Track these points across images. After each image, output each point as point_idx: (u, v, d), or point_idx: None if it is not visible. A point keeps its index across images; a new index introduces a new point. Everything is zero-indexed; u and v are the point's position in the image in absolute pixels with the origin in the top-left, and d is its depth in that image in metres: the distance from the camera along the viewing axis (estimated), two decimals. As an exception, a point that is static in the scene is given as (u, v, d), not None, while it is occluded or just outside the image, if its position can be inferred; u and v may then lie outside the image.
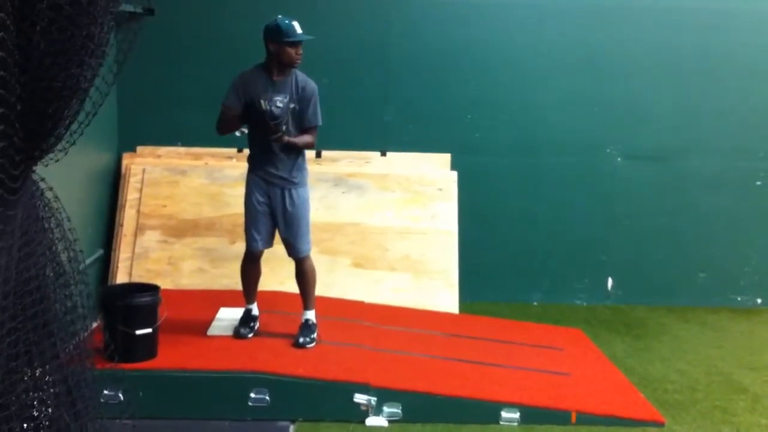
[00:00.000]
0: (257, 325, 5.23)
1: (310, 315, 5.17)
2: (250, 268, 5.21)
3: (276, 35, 4.84)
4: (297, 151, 5.03)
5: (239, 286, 6.28)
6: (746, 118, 7.10)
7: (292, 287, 6.20)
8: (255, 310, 5.26)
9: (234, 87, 4.99)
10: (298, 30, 4.85)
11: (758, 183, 7.16)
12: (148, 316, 4.60)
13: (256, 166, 5.08)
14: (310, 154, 6.82)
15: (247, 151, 6.76)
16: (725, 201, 7.12)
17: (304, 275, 5.19)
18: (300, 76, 5.01)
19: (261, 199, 5.04)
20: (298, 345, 5.01)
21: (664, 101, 7.04)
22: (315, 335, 5.10)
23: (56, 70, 2.48)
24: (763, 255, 7.21)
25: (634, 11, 6.99)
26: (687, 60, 7.00)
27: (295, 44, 4.86)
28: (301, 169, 5.09)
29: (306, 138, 5.02)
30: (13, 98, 2.40)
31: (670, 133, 7.07)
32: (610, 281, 7.15)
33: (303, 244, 5.12)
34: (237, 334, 5.11)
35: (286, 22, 4.84)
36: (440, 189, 6.70)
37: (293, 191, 5.03)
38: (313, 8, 6.83)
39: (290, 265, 6.35)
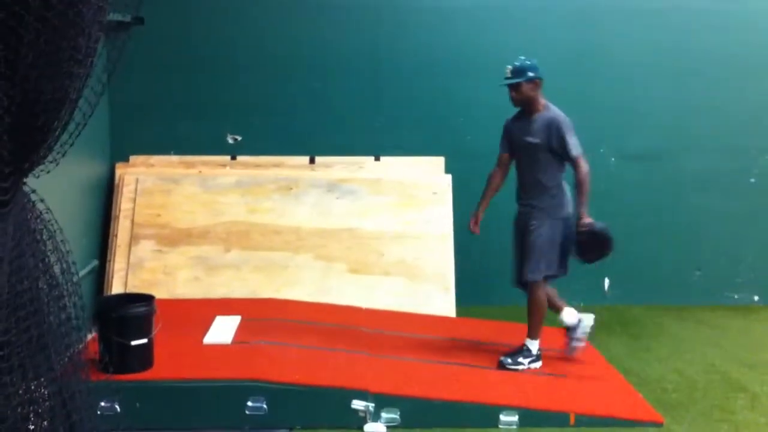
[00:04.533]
0: None
1: (528, 342, 5.26)
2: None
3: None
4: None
5: (234, 295, 6.29)
6: (739, 116, 7.11)
7: (287, 294, 6.23)
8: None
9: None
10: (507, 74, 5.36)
11: (752, 180, 7.17)
12: (144, 327, 4.58)
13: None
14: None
15: (240, 158, 6.83)
16: (719, 199, 7.12)
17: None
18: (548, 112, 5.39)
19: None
20: (499, 362, 5.16)
21: (656, 101, 7.04)
22: (523, 362, 5.17)
23: (44, 82, 2.47)
24: (759, 252, 7.22)
25: (626, 12, 6.99)
26: (679, 60, 7.01)
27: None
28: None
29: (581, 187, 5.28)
30: (1, 111, 2.39)
31: (663, 133, 7.08)
32: (606, 282, 7.15)
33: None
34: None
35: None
36: (435, 193, 6.69)
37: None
38: (304, 14, 6.86)
39: (286, 273, 6.37)
